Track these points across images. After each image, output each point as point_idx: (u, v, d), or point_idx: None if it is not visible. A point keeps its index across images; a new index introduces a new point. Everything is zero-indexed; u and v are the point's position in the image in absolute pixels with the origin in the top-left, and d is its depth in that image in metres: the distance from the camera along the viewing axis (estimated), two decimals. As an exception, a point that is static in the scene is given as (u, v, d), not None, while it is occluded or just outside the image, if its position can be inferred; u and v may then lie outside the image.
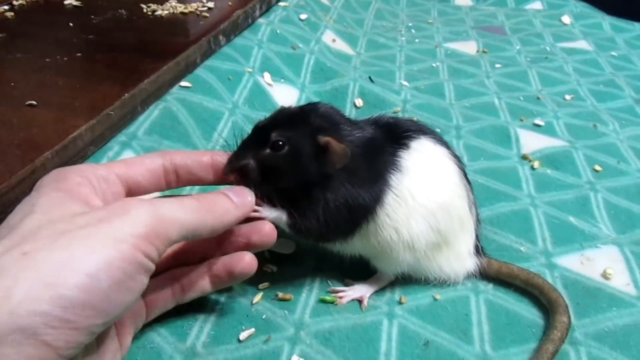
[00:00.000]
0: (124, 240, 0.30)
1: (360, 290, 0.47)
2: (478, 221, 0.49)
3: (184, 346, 0.41)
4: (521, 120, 0.76)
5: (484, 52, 1.01)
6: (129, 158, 0.42)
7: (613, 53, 1.02)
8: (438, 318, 0.45)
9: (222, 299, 0.45)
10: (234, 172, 0.41)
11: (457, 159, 0.47)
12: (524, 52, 1.01)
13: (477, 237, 0.48)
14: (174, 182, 0.42)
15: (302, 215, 0.42)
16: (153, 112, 0.56)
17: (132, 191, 0.39)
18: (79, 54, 0.60)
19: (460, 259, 0.47)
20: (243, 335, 0.42)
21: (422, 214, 0.43)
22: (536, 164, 0.66)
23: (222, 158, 0.42)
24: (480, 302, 0.47)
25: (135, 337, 0.40)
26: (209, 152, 0.43)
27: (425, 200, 0.43)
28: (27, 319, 0.26)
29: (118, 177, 0.38)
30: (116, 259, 0.30)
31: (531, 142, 0.71)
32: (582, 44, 1.06)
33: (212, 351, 0.41)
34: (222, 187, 0.41)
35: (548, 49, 1.03)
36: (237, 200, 0.39)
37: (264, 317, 0.44)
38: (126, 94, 0.52)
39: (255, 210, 0.41)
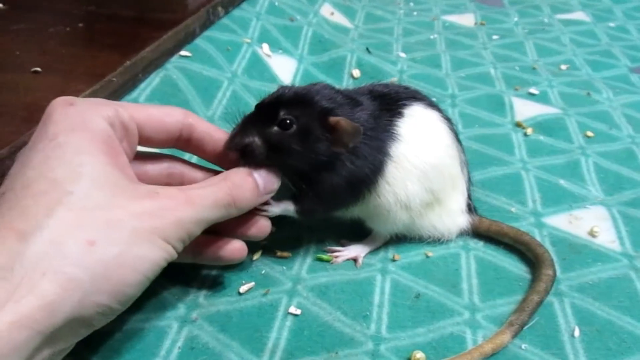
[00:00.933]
0: (171, 243, 0.33)
1: (355, 250, 0.49)
2: (469, 181, 0.50)
3: (187, 298, 0.43)
4: (516, 89, 0.77)
5: (481, 24, 1.02)
6: (151, 107, 0.41)
7: (610, 24, 1.03)
8: (429, 273, 0.47)
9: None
10: (237, 149, 0.40)
11: (449, 121, 0.49)
12: (522, 24, 1.02)
13: (468, 196, 0.50)
14: (183, 146, 0.42)
15: (307, 197, 0.43)
16: (154, 80, 0.58)
17: (141, 141, 0.39)
18: (81, 24, 0.62)
19: (452, 217, 0.49)
20: (243, 289, 0.44)
21: (416, 176, 0.45)
22: (529, 131, 0.67)
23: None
24: (470, 259, 0.49)
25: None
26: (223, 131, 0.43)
27: (419, 163, 0.45)
28: (89, 310, 0.30)
29: (137, 127, 0.38)
30: (163, 261, 0.33)
31: (525, 110, 0.72)
32: (579, 15, 1.06)
33: (213, 302, 0.43)
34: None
35: (546, 20, 1.04)
36: (264, 186, 0.40)
37: (263, 272, 0.46)
38: (127, 61, 0.53)
39: (263, 206, 0.42)
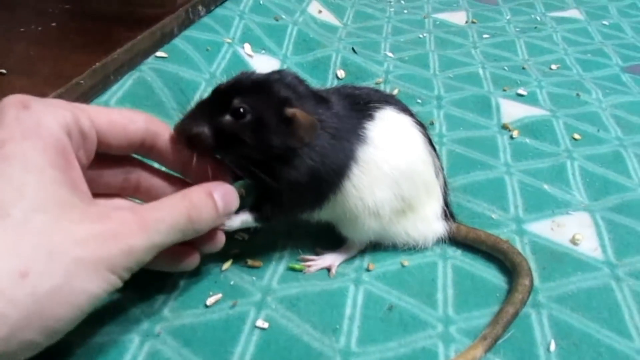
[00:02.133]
0: (116, 273, 0.31)
1: (330, 259, 0.47)
2: (446, 186, 0.49)
3: (151, 310, 0.42)
4: (504, 90, 0.76)
5: (473, 22, 1.00)
6: (113, 111, 0.38)
7: (604, 22, 1.01)
8: (404, 283, 0.46)
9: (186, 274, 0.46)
10: (185, 137, 0.39)
11: (422, 126, 0.47)
12: (514, 22, 1.00)
13: (445, 202, 0.48)
14: (144, 153, 0.40)
15: (265, 200, 0.42)
16: (127, 82, 0.56)
17: (100, 148, 0.37)
18: (54, 24, 0.60)
19: (427, 223, 0.47)
20: (210, 301, 0.43)
21: (385, 182, 0.44)
22: (515, 133, 0.66)
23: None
24: (448, 268, 0.47)
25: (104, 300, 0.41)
26: None
27: (388, 169, 0.43)
28: (14, 347, 0.27)
29: (97, 133, 0.35)
30: (104, 293, 0.31)
31: (512, 111, 0.71)
32: (573, 13, 1.05)
33: (178, 315, 0.42)
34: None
35: (538, 18, 1.02)
36: (223, 207, 0.38)
37: (232, 283, 0.45)
38: (97, 63, 0.52)
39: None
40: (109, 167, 0.39)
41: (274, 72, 0.42)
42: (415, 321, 0.42)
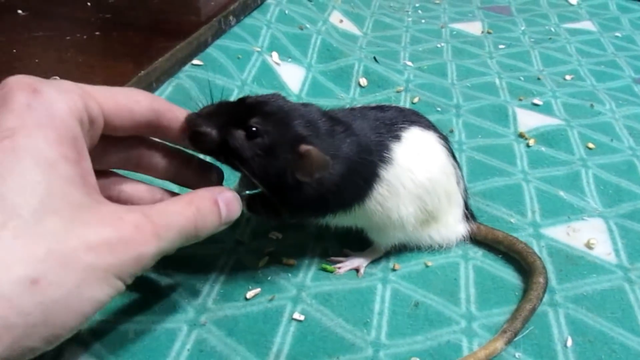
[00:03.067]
0: (122, 279, 0.29)
1: (357, 261, 0.50)
2: (466, 191, 0.52)
3: (196, 301, 0.45)
4: (520, 99, 0.79)
5: (488, 32, 1.03)
6: (118, 92, 0.36)
7: (617, 34, 1.04)
8: (429, 282, 0.49)
9: (231, 262, 0.49)
10: (191, 132, 0.38)
11: (445, 140, 0.50)
12: (529, 33, 1.03)
13: (466, 205, 0.51)
14: (151, 133, 0.39)
15: (260, 202, 0.43)
16: (167, 89, 0.60)
17: (106, 131, 0.35)
18: (97, 33, 0.64)
19: (449, 228, 0.50)
20: (249, 294, 0.46)
21: (411, 199, 0.46)
22: (531, 142, 0.69)
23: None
24: (469, 268, 0.50)
25: (154, 290, 0.44)
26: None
27: (413, 187, 0.46)
28: (16, 353, 0.26)
29: (104, 119, 0.34)
30: (109, 299, 0.29)
31: (528, 120, 0.74)
32: (586, 25, 1.07)
33: (221, 307, 0.45)
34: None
35: (552, 29, 1.05)
36: (225, 216, 0.36)
37: (269, 279, 0.48)
38: (142, 72, 0.55)
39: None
40: (111, 145, 0.38)
41: (302, 105, 0.43)
42: (440, 317, 0.45)
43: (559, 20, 1.09)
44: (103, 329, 0.41)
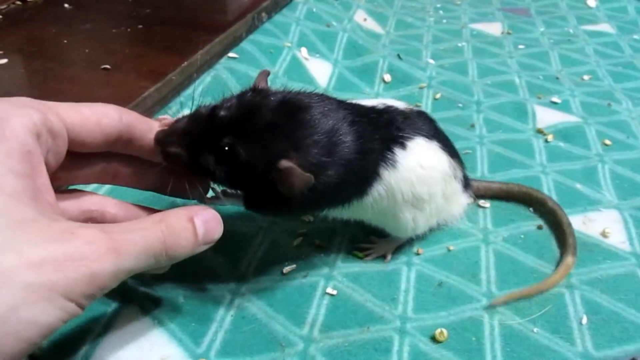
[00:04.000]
0: (75, 300, 0.27)
1: (384, 248, 0.53)
2: (462, 163, 0.53)
3: (236, 273, 0.49)
4: (539, 97, 0.82)
5: (508, 33, 1.06)
6: (84, 106, 0.34)
7: (635, 36, 1.06)
8: (451, 265, 0.52)
9: (267, 240, 0.53)
10: (162, 152, 0.37)
11: (447, 145, 0.51)
12: (547, 34, 1.06)
13: (464, 177, 0.54)
14: (121, 148, 0.37)
15: (257, 201, 0.42)
16: (206, 79, 0.64)
17: (73, 147, 0.34)
18: (140, 26, 0.68)
19: (452, 210, 0.53)
20: (286, 270, 0.50)
21: (407, 208, 0.48)
22: (550, 137, 0.72)
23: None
24: (489, 252, 0.54)
25: (193, 262, 0.48)
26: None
27: (411, 198, 0.47)
28: None
29: (67, 132, 0.32)
30: (60, 323, 0.27)
31: (546, 117, 0.76)
32: (605, 27, 1.10)
33: (259, 280, 0.49)
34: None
35: (571, 31, 1.07)
36: (204, 235, 0.34)
37: (302, 257, 0.52)
38: (185, 62, 0.59)
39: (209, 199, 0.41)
40: (83, 159, 0.36)
41: (291, 95, 0.40)
42: (462, 295, 0.49)
43: (578, 22, 1.11)
44: (156, 293, 0.44)
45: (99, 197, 0.38)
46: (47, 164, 0.31)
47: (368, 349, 0.43)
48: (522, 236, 0.56)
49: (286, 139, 0.37)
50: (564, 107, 0.79)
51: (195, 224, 0.33)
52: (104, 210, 0.37)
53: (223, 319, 0.44)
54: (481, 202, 0.60)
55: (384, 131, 0.45)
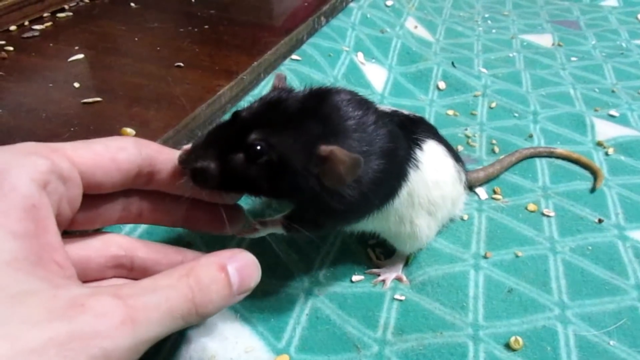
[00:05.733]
0: None
1: (387, 273, 0.50)
2: (461, 162, 0.54)
3: (309, 275, 0.49)
4: (596, 110, 0.81)
5: (559, 45, 1.05)
6: (96, 142, 0.30)
7: (689, 52, 1.04)
8: (520, 272, 0.52)
9: (338, 243, 0.53)
10: (189, 172, 0.33)
11: (451, 151, 0.52)
12: (599, 47, 1.05)
13: (466, 179, 0.54)
14: (143, 184, 0.33)
15: (298, 220, 0.38)
16: (271, 80, 0.64)
17: (89, 189, 0.30)
18: (206, 26, 0.69)
19: (455, 212, 0.54)
20: (355, 278, 0.50)
21: (421, 214, 0.47)
22: (610, 151, 0.71)
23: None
24: (558, 261, 0.53)
25: (275, 256, 0.48)
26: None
27: (425, 202, 0.46)
28: None
29: (81, 174, 0.29)
30: None
31: (606, 130, 0.75)
32: (658, 42, 1.08)
33: (330, 284, 0.49)
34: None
35: (624, 45, 1.06)
36: (239, 286, 0.30)
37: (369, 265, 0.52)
38: (255, 62, 0.60)
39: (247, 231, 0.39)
40: (103, 199, 0.33)
41: (314, 89, 0.37)
42: (534, 304, 0.48)
43: (630, 36, 1.10)
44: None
45: (126, 240, 0.34)
46: (61, 213, 0.28)
47: (444, 353, 0.43)
48: (590, 247, 0.55)
49: (321, 124, 0.33)
50: (623, 120, 0.78)
51: (228, 273, 0.29)
52: (133, 255, 0.34)
53: (299, 317, 0.44)
54: (545, 210, 0.59)
55: (403, 130, 0.42)
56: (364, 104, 0.37)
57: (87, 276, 0.32)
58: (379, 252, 0.53)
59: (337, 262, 0.51)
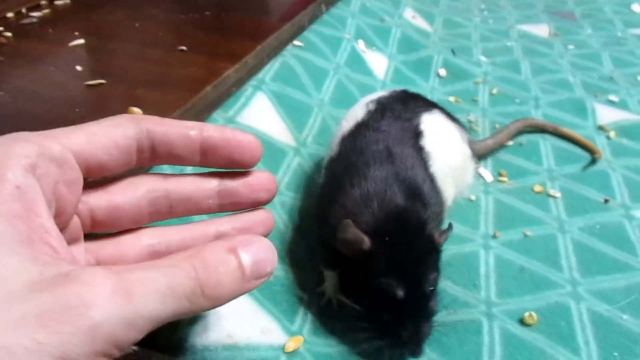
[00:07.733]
0: None
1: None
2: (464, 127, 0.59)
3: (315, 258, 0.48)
4: (596, 95, 0.81)
5: (555, 34, 1.05)
6: (91, 125, 0.29)
7: (684, 41, 1.05)
8: (530, 251, 0.52)
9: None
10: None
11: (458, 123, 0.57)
12: (595, 37, 1.05)
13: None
14: (148, 160, 0.32)
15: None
16: (275, 64, 0.64)
17: (92, 172, 0.29)
18: (208, 13, 0.69)
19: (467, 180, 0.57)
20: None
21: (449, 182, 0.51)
22: (612, 134, 0.71)
23: (215, 132, 0.32)
24: (567, 240, 0.53)
25: (280, 242, 0.48)
26: (198, 124, 0.32)
27: (449, 171, 0.51)
28: None
29: (76, 156, 0.28)
30: None
31: (607, 114, 0.76)
32: (653, 31, 1.09)
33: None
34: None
35: (619, 34, 1.07)
36: (251, 269, 0.27)
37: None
38: (258, 46, 0.59)
39: None
40: (123, 193, 0.31)
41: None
42: (546, 281, 0.48)
43: (625, 26, 1.11)
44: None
45: (157, 228, 0.33)
46: (61, 198, 0.27)
47: (459, 330, 0.43)
48: (598, 226, 0.55)
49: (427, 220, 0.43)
50: (623, 105, 0.79)
51: (239, 255, 0.27)
52: (169, 240, 0.32)
53: (309, 303, 0.44)
54: (551, 191, 0.59)
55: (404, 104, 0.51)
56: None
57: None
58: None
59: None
